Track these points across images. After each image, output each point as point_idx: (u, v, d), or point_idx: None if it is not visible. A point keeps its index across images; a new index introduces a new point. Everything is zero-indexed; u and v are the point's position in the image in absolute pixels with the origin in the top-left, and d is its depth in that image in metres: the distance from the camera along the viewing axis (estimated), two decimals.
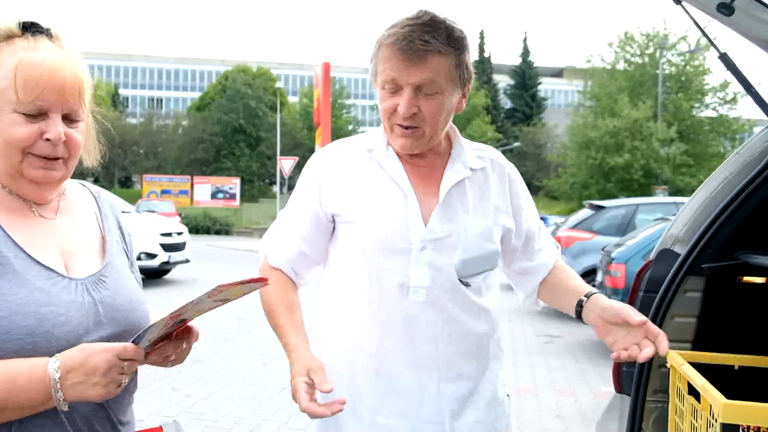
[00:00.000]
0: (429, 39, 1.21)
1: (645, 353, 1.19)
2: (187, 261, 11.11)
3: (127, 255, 1.21)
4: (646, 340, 1.20)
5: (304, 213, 1.36)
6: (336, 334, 1.35)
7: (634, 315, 1.22)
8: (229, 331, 6.87)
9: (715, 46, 1.66)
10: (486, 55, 55.80)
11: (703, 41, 28.13)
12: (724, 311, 1.65)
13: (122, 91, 60.85)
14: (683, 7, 1.69)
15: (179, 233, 10.95)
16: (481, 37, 57.76)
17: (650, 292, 1.66)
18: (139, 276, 1.26)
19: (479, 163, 1.38)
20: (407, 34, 1.21)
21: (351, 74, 65.62)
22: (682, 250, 1.69)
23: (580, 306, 1.32)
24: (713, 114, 29.92)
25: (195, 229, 31.16)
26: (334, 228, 1.35)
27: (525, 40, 62.04)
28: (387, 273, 1.26)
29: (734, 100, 29.06)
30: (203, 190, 37.92)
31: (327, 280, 1.40)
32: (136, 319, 1.13)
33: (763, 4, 1.59)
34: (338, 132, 46.98)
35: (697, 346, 1.66)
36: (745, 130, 31.44)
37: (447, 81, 1.24)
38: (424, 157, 1.33)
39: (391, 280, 1.26)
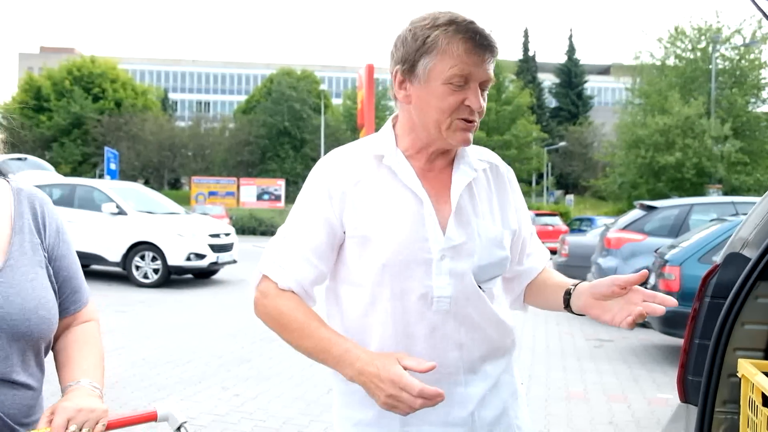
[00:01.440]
0: (492, 38, 1.21)
1: (652, 309, 1.18)
2: (235, 261, 11.30)
3: (48, 259, 1.17)
4: (646, 303, 1.19)
5: (316, 224, 1.26)
6: None
7: (628, 275, 1.22)
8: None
9: None
10: (530, 53, 55.05)
11: (759, 33, 27.05)
12: None
13: (171, 95, 62.56)
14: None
15: (227, 234, 11.14)
16: (525, 35, 57.10)
17: (718, 297, 1.58)
18: (76, 281, 1.23)
19: (481, 165, 1.36)
20: (479, 30, 1.19)
21: None
22: (752, 253, 1.60)
23: (568, 294, 1.31)
24: None
25: (241, 230, 31.76)
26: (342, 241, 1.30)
27: (570, 37, 60.86)
28: (409, 285, 1.24)
29: None
30: (249, 191, 38.60)
31: (340, 296, 1.34)
32: (27, 329, 1.08)
33: None
34: None
35: None
36: None
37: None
38: (432, 161, 1.30)
39: (413, 292, 1.24)
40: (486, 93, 1.24)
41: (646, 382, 5.26)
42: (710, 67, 27.13)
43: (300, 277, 1.27)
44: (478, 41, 1.19)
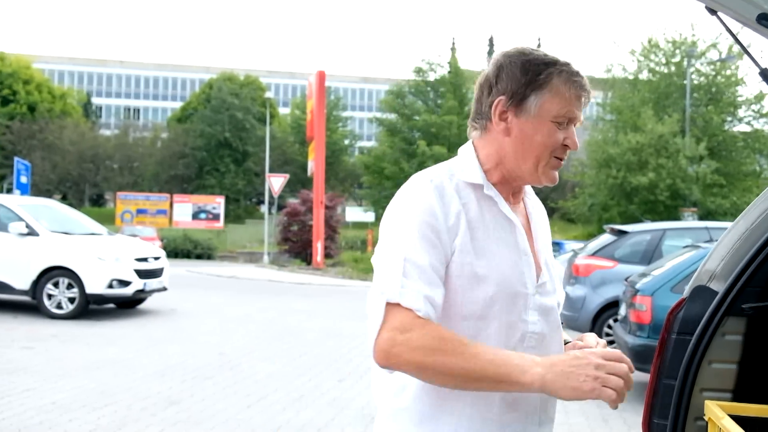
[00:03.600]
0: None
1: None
2: (165, 289, 11.08)
3: None
4: None
5: (436, 250, 1.28)
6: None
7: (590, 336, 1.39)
8: (210, 368, 6.82)
9: (756, 62, 1.66)
10: None
11: (736, 48, 28.37)
12: None
13: (95, 100, 61.32)
14: (719, 17, 1.69)
15: (156, 258, 10.93)
16: (491, 44, 58.31)
17: (684, 334, 1.64)
18: None
19: (532, 196, 1.50)
20: (583, 76, 1.35)
21: (348, 84, 66.19)
22: (719, 287, 1.67)
23: None
24: (747, 129, 30.07)
25: (174, 253, 31.18)
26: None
27: (539, 47, 62.44)
28: (512, 319, 1.33)
29: None
30: (183, 209, 37.99)
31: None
32: None
33: None
34: (333, 147, 47.22)
35: (738, 396, 1.63)
36: None
37: None
38: (512, 194, 1.42)
39: (514, 327, 1.33)
40: None
41: (616, 423, 5.37)
42: (685, 82, 28.25)
43: (436, 303, 1.26)
44: (584, 87, 1.34)
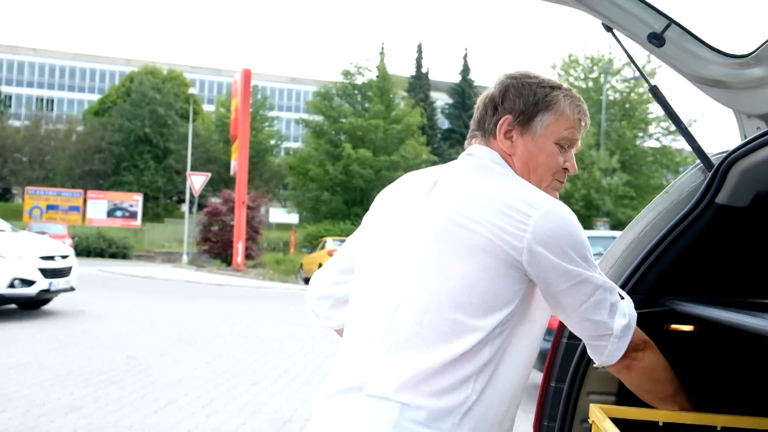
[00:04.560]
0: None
1: None
2: (72, 289, 10.60)
3: None
4: None
5: None
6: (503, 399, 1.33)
7: None
8: (117, 373, 6.56)
9: (645, 78, 1.74)
10: (423, 70, 57.02)
11: (649, 67, 29.95)
12: None
13: (4, 88, 58.11)
14: (614, 35, 1.76)
15: (64, 256, 10.45)
16: (419, 50, 59.07)
17: (574, 338, 1.69)
18: None
19: None
20: (582, 100, 1.42)
21: (275, 83, 65.48)
22: None
23: None
24: (656, 144, 31.74)
25: (86, 252, 29.98)
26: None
27: (465, 56, 63.90)
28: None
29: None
30: (98, 206, 36.53)
31: (519, 337, 1.34)
32: None
33: (694, 36, 1.68)
34: (258, 146, 46.53)
35: (620, 399, 1.70)
36: (688, 163, 33.48)
37: None
38: None
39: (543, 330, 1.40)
40: None
41: None
42: (601, 98, 29.53)
43: None
44: (586, 112, 1.41)
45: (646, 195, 29.99)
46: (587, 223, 26.36)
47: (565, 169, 1.39)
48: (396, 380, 1.24)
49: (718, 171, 1.61)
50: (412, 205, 1.34)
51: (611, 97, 31.02)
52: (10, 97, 59.27)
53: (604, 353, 1.32)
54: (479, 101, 1.43)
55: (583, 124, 1.40)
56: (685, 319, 1.65)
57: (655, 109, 31.41)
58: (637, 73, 29.47)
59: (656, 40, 1.71)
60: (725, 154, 1.59)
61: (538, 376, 6.91)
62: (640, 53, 30.80)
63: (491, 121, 1.38)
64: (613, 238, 8.77)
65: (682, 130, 1.73)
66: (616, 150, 29.02)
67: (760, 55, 1.60)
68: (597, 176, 27.53)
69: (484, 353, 1.24)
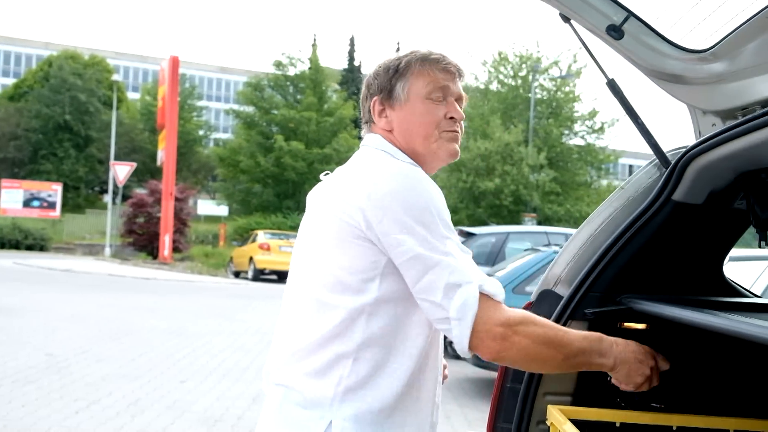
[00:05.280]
0: (456, 60, 1.45)
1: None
2: None
3: None
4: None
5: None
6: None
7: None
8: (35, 371, 6.20)
9: (603, 71, 1.70)
10: (356, 63, 56.86)
11: (575, 67, 30.85)
12: None
13: None
14: (571, 25, 1.71)
15: None
16: (352, 43, 58.85)
17: None
18: None
19: None
20: (444, 54, 1.44)
21: (204, 72, 63.85)
22: (564, 291, 1.70)
23: None
24: (581, 142, 32.72)
25: (0, 244, 28.49)
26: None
27: (397, 50, 63.94)
28: None
29: (602, 129, 32.07)
30: (13, 196, 34.59)
31: (410, 321, 1.32)
32: None
33: (653, 30, 1.65)
34: (186, 137, 45.27)
35: (576, 399, 1.67)
36: (611, 161, 34.73)
37: None
38: None
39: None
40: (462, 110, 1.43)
41: (457, 419, 5.52)
42: (530, 95, 30.19)
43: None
44: (445, 61, 1.42)
45: (571, 191, 30.88)
46: (515, 218, 26.93)
47: (452, 118, 1.40)
48: (281, 365, 1.33)
49: (676, 167, 1.59)
50: (314, 204, 1.40)
51: (539, 95, 31.75)
52: None
53: (455, 339, 1.24)
54: (360, 104, 1.51)
55: (451, 72, 1.42)
56: (640, 316, 1.63)
57: (581, 108, 32.40)
58: (564, 73, 30.48)
59: (615, 32, 1.67)
60: (683, 151, 1.57)
61: (492, 375, 6.85)
62: (565, 49, 31.69)
63: (367, 109, 1.46)
64: (543, 233, 8.98)
65: (639, 125, 1.70)
66: (543, 147, 29.70)
67: (718, 51, 1.59)
68: (525, 172, 28.09)
69: (356, 333, 1.25)
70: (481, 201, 28.90)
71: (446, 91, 1.41)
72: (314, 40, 39.98)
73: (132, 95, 54.21)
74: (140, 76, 61.49)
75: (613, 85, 1.71)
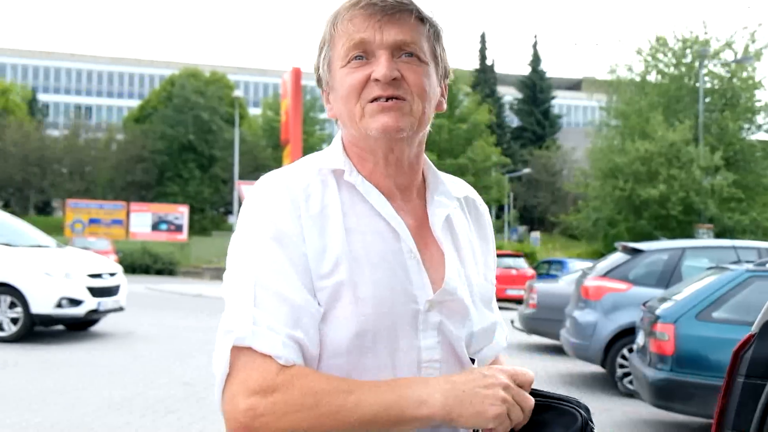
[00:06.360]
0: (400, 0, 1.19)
1: None
2: (122, 309, 10.89)
3: None
4: None
5: (292, 271, 1.12)
6: None
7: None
8: (174, 401, 6.65)
9: None
10: (488, 62, 56.64)
11: (753, 48, 28.73)
12: None
13: (41, 97, 60.83)
14: None
15: (112, 274, 10.74)
16: (483, 41, 58.65)
17: (755, 377, 1.55)
18: None
19: (459, 192, 1.33)
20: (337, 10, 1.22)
21: None
22: None
23: None
24: (767, 137, 30.45)
25: (131, 268, 30.87)
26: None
27: (535, 45, 63.21)
28: (397, 346, 1.15)
29: None
30: (142, 219, 37.68)
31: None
32: None
33: None
34: (310, 151, 46.80)
35: None
36: None
37: (429, 52, 1.21)
38: (400, 188, 1.24)
39: (402, 358, 1.15)
40: (418, 63, 1.18)
41: None
42: (697, 85, 28.57)
43: (301, 340, 1.09)
44: (370, 3, 1.17)
45: (757, 196, 28.68)
46: (687, 230, 25.47)
47: (376, 80, 1.15)
48: None
49: None
50: None
51: (709, 85, 29.98)
52: (48, 106, 61.85)
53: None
54: None
55: (366, 18, 1.16)
56: None
57: (764, 96, 30.23)
58: (740, 55, 28.47)
59: None
60: None
61: (660, 414, 6.49)
62: (740, 27, 29.54)
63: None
64: (731, 248, 8.42)
65: None
66: (718, 145, 27.93)
67: None
68: (697, 176, 26.51)
69: None
70: (643, 211, 27.67)
71: (366, 45, 1.17)
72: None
73: (253, 111, 57.20)
74: (261, 91, 64.87)
75: None
